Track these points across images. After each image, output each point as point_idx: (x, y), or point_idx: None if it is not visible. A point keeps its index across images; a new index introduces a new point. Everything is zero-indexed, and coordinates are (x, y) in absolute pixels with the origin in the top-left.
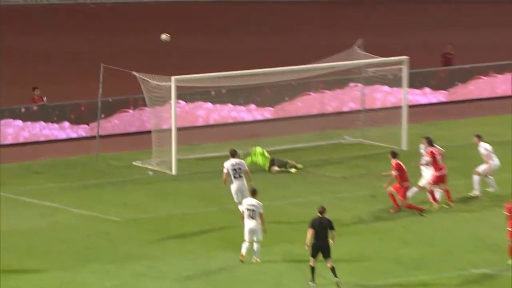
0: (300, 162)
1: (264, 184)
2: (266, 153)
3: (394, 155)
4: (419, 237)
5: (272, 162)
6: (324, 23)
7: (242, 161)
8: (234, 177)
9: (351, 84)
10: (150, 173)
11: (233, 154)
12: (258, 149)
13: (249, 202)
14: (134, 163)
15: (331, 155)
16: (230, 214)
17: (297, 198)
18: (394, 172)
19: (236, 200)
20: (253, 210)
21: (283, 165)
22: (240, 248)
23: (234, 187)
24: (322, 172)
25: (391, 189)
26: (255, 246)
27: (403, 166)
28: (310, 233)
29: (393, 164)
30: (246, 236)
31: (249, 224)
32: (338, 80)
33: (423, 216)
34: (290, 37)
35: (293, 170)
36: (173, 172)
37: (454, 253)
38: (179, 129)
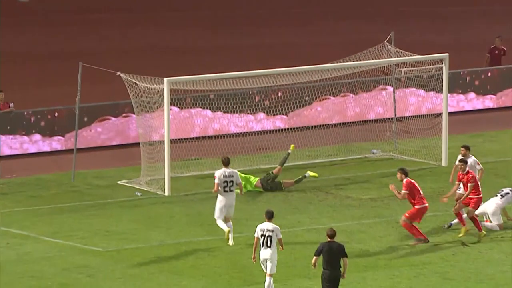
0: (319, 181)
1: (276, 207)
2: (251, 179)
3: (405, 173)
4: (463, 271)
5: (264, 184)
6: (347, 14)
7: (236, 171)
8: (224, 190)
9: (380, 87)
10: (138, 194)
11: (226, 163)
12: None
13: (264, 226)
14: (119, 182)
15: (356, 173)
16: (234, 243)
17: (315, 224)
18: (404, 191)
19: (216, 216)
20: (270, 236)
21: (272, 180)
22: (250, 283)
23: (221, 201)
24: (345, 193)
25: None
26: (267, 280)
27: (417, 186)
28: (315, 259)
29: (404, 183)
30: (263, 267)
31: (263, 253)
32: (365, 82)
33: (467, 246)
34: (306, 31)
35: (310, 173)
36: (166, 192)
37: None
38: (172, 141)
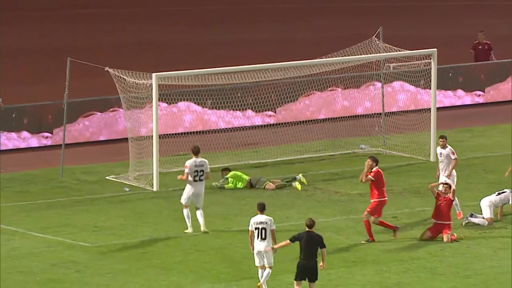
0: (307, 176)
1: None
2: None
3: (376, 161)
4: (451, 267)
5: (252, 184)
6: (336, 9)
7: (206, 161)
8: (194, 180)
9: (368, 83)
10: (127, 189)
11: (196, 152)
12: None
13: (257, 219)
14: (107, 177)
15: (344, 168)
16: (223, 238)
17: (304, 220)
18: (370, 176)
19: (183, 202)
20: (264, 229)
21: (261, 183)
22: (239, 278)
23: (190, 190)
24: (333, 188)
25: (375, 218)
26: (266, 271)
27: (384, 178)
28: (286, 243)
29: (374, 170)
30: (256, 260)
31: (258, 246)
32: (353, 78)
33: (455, 241)
34: (295, 27)
35: (297, 185)
36: (154, 188)
37: (492, 287)
38: (161, 137)
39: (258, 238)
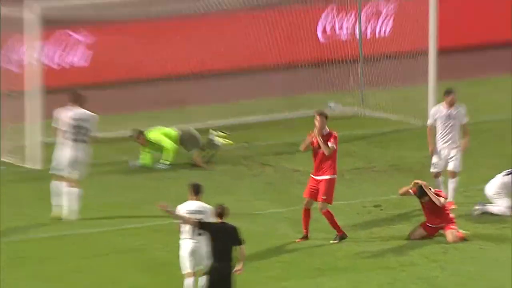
0: (253, 147)
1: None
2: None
3: (327, 116)
4: (457, 275)
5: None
6: None
7: (92, 114)
8: (72, 139)
9: (340, 14)
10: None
11: (75, 100)
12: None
13: (190, 207)
14: None
15: (305, 136)
16: (133, 237)
17: (248, 209)
18: (331, 144)
19: (55, 170)
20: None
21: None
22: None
23: (66, 153)
24: (290, 164)
25: (322, 204)
26: (201, 280)
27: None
28: (190, 221)
29: (334, 135)
30: (188, 265)
31: (189, 244)
32: (319, 7)
33: (464, 240)
34: None
35: (225, 140)
36: (38, 165)
37: None
38: (46, 92)
39: (190, 234)
